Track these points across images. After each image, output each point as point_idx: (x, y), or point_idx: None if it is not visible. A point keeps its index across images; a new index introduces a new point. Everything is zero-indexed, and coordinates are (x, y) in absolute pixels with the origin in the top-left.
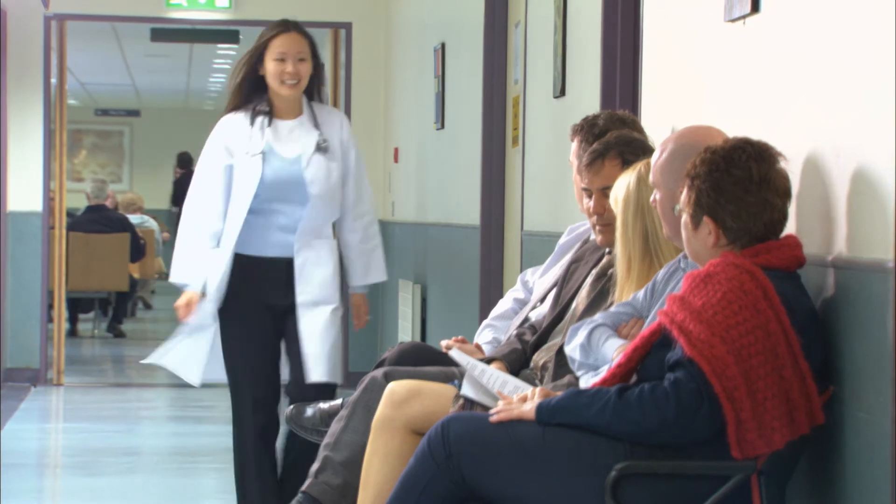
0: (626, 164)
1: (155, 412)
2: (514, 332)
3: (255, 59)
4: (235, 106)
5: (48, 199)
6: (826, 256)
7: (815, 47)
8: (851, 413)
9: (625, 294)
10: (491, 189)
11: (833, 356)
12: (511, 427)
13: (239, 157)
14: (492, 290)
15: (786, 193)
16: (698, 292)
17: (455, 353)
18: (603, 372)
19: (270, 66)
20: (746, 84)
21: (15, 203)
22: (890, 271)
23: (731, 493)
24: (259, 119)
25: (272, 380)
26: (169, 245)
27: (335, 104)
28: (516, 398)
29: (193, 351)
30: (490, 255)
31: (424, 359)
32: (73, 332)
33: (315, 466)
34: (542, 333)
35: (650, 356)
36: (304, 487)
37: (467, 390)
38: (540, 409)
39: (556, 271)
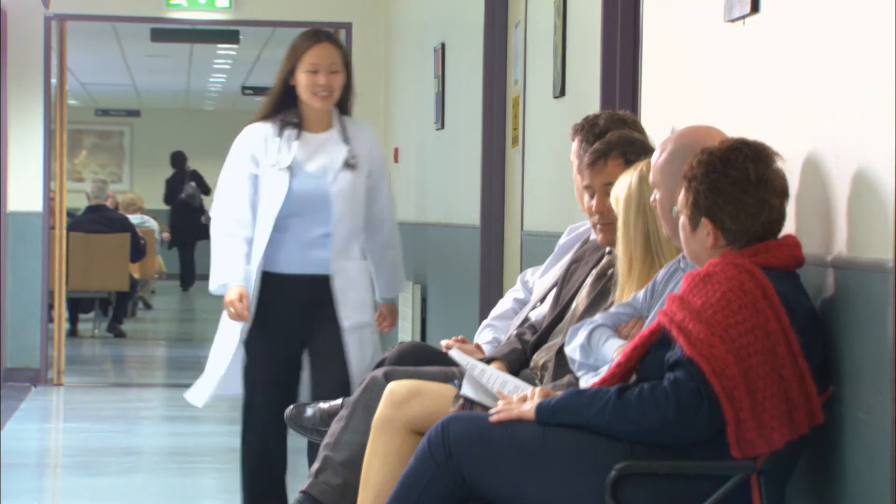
0: (628, 163)
1: (155, 412)
2: (514, 332)
3: (288, 70)
4: (264, 116)
5: (48, 199)
6: (826, 256)
7: (815, 47)
8: (851, 413)
9: (625, 294)
10: (491, 189)
11: (833, 356)
12: (511, 427)
13: (265, 169)
14: (492, 290)
15: (783, 193)
16: (698, 292)
17: (455, 353)
18: (603, 372)
19: (302, 78)
20: (746, 84)
21: (15, 203)
22: (890, 271)
23: (730, 493)
24: (287, 131)
25: (289, 400)
26: (168, 246)
27: None
28: (516, 398)
29: (229, 368)
30: (490, 255)
31: (425, 359)
32: (73, 332)
33: (315, 466)
34: (542, 333)
35: (650, 356)
36: (304, 487)
37: (467, 390)
38: (540, 408)
39: (556, 271)
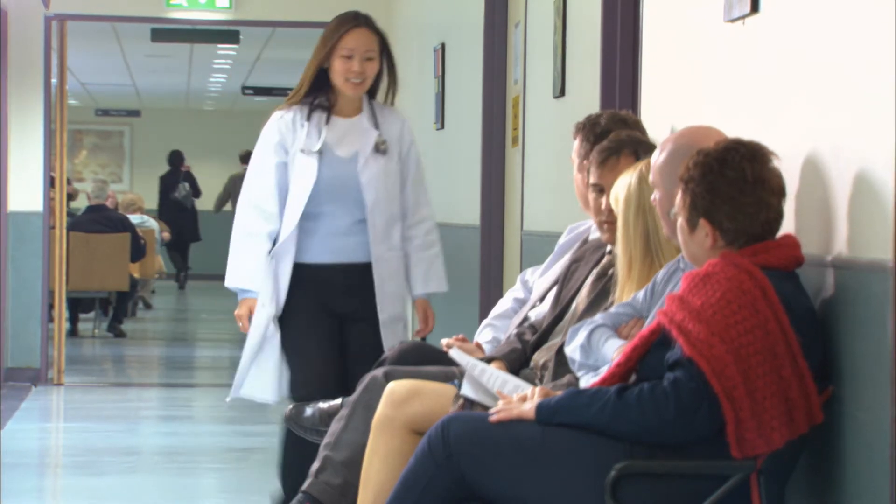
0: (639, 161)
1: (155, 412)
2: (514, 332)
3: (324, 54)
4: (295, 100)
5: (48, 199)
6: (825, 256)
7: (815, 47)
8: (850, 413)
9: (625, 294)
10: (491, 189)
11: (832, 356)
12: (511, 427)
13: (294, 154)
14: (492, 290)
15: (780, 192)
16: (697, 292)
17: (455, 353)
18: (603, 372)
19: (336, 63)
20: (746, 84)
21: (15, 203)
22: (890, 271)
23: (730, 493)
24: (316, 115)
25: (340, 385)
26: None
27: None
28: (516, 398)
29: (263, 371)
30: (490, 255)
31: (425, 358)
32: (73, 332)
33: (315, 466)
34: (543, 333)
35: (649, 356)
36: (304, 487)
37: (467, 390)
38: (540, 408)
39: (556, 270)
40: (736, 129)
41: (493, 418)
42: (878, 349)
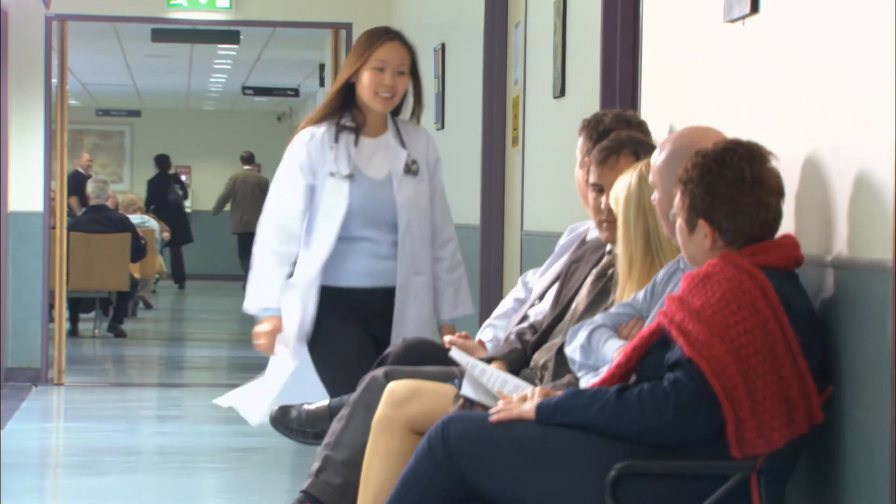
0: (639, 161)
1: (156, 412)
2: (514, 331)
3: (356, 67)
4: (320, 118)
5: (49, 199)
6: (825, 256)
7: (815, 48)
8: (850, 413)
9: (626, 293)
10: (491, 189)
11: (832, 356)
12: (511, 427)
13: (323, 178)
14: (492, 290)
15: (779, 192)
16: (697, 292)
17: (455, 353)
18: (603, 372)
19: (366, 77)
20: (746, 84)
21: (16, 203)
22: (890, 271)
23: (730, 493)
24: (343, 136)
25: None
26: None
27: None
28: (516, 398)
29: (262, 393)
30: (490, 255)
31: (429, 354)
32: (73, 332)
33: (315, 466)
34: (543, 333)
35: (649, 356)
36: (304, 487)
37: (467, 390)
38: (540, 408)
39: (556, 269)
40: (736, 129)
41: (493, 418)
42: (878, 349)
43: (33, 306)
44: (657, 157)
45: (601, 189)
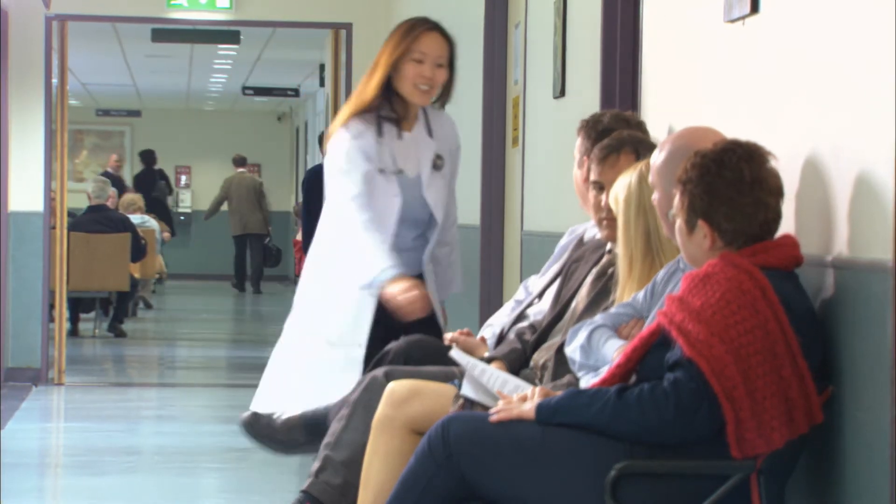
0: (640, 160)
1: (156, 412)
2: (514, 330)
3: (398, 58)
4: (366, 109)
5: (49, 199)
6: (825, 256)
7: (815, 48)
8: (850, 413)
9: (626, 293)
10: (491, 189)
11: (832, 356)
12: (511, 427)
13: (375, 172)
14: (492, 290)
15: (778, 192)
16: (697, 292)
17: (455, 353)
18: (603, 373)
19: (406, 68)
20: (746, 84)
21: (16, 203)
22: (890, 271)
23: (730, 493)
24: (386, 128)
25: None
26: (169, 244)
27: (336, 104)
28: (516, 398)
29: (283, 386)
30: (490, 255)
31: (430, 351)
32: (74, 332)
33: (315, 466)
34: (542, 332)
35: (649, 356)
36: (304, 487)
37: (467, 390)
38: (540, 408)
39: (555, 269)
40: (736, 129)
41: (493, 418)
42: (878, 349)
43: (33, 306)
44: (657, 158)
45: (601, 187)
